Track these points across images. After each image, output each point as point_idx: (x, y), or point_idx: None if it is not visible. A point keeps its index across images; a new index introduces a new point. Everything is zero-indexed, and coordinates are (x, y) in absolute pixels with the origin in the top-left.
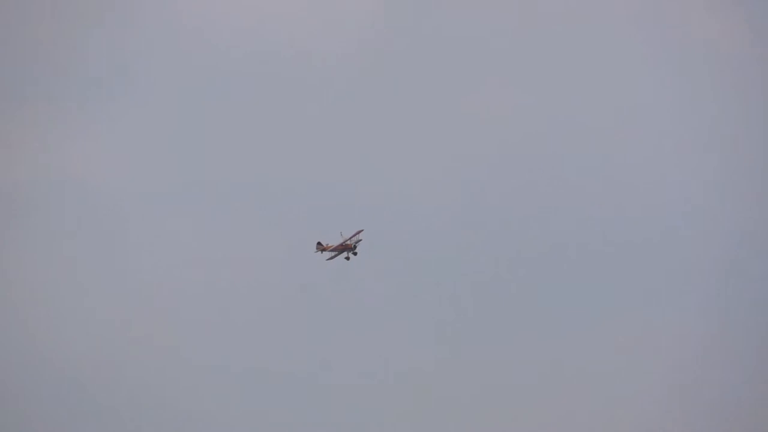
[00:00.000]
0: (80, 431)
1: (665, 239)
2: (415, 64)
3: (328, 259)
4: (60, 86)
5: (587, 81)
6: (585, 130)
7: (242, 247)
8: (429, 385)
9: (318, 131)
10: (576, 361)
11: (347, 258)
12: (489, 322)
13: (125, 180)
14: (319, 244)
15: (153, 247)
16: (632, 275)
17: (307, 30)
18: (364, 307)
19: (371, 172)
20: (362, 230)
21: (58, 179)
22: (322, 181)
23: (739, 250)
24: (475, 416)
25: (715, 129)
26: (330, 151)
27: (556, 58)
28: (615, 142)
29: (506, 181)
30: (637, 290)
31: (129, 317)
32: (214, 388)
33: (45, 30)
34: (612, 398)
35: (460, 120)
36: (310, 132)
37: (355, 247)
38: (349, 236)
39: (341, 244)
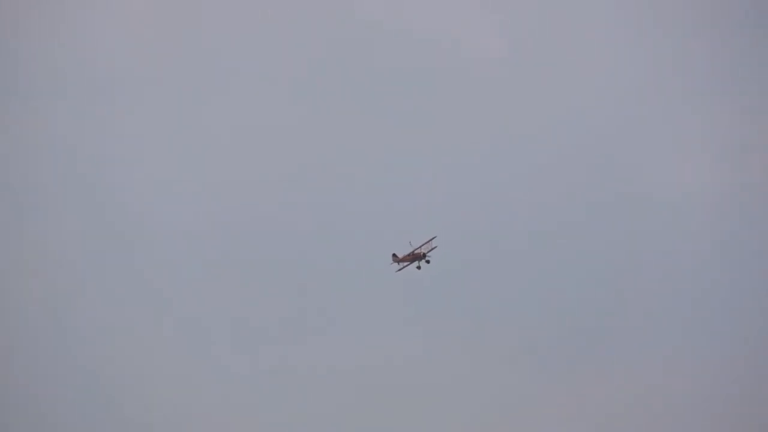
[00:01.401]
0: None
1: None
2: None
3: (397, 270)
4: None
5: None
6: None
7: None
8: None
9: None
10: None
11: (418, 267)
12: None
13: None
14: (394, 255)
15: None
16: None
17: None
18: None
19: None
20: (435, 237)
21: None
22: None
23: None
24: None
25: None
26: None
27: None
28: None
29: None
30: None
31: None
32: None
33: None
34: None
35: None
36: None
37: (425, 255)
38: (420, 244)
39: (412, 253)
